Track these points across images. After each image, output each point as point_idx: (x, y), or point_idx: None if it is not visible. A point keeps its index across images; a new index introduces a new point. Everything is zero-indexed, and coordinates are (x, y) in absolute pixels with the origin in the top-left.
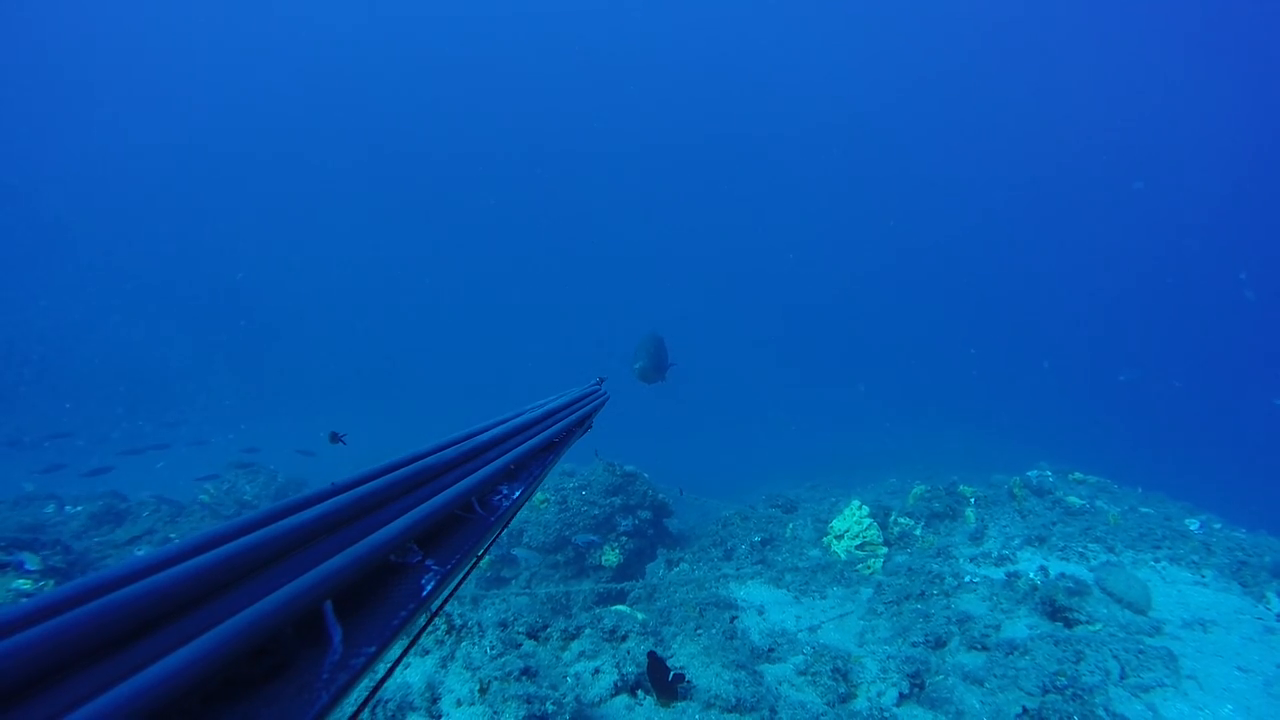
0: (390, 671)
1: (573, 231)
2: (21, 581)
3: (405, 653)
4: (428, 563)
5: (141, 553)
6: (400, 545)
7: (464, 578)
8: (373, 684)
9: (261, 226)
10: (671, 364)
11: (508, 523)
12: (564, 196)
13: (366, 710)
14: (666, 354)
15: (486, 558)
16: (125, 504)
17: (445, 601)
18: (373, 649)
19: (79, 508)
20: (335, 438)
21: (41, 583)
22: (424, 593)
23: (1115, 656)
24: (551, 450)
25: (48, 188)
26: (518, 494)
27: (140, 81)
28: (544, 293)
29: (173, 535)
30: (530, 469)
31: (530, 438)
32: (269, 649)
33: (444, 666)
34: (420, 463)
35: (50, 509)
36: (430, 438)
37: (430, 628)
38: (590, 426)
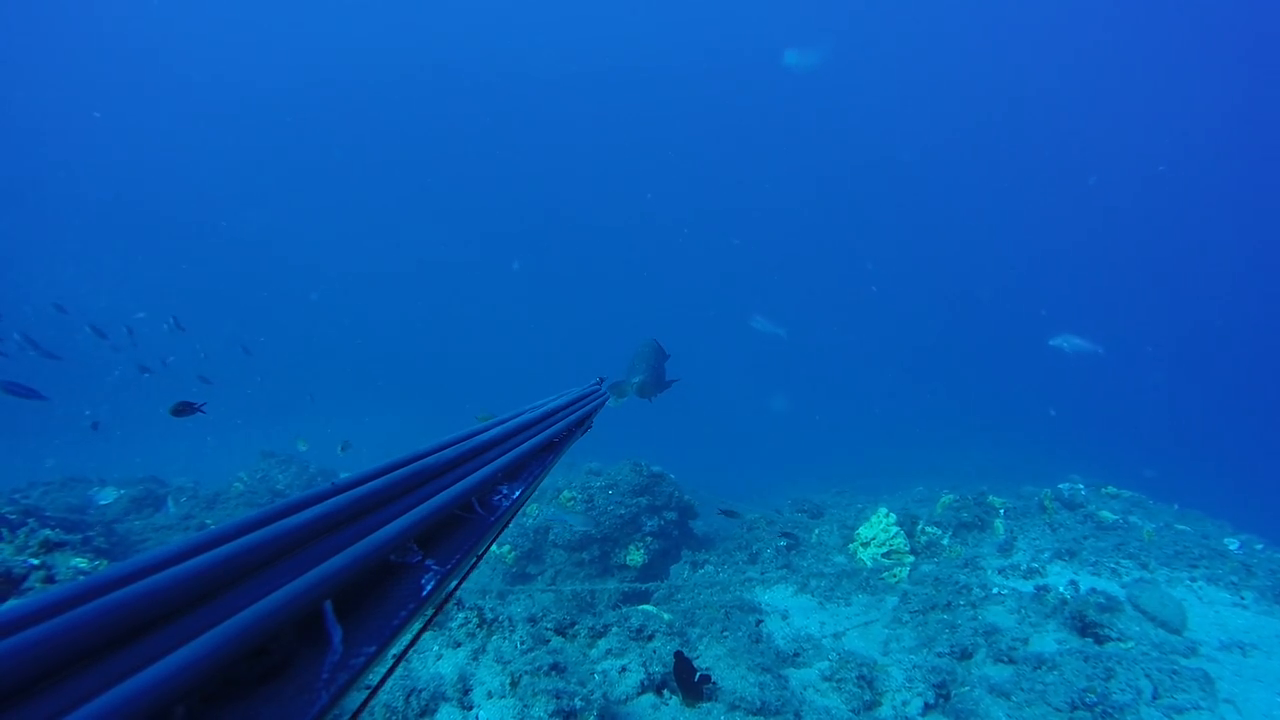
0: (389, 673)
1: (576, 232)
2: (79, 560)
3: (404, 654)
4: (428, 562)
5: (144, 553)
6: (400, 545)
7: (464, 578)
8: (373, 685)
9: (265, 226)
10: (674, 379)
11: (508, 523)
12: (568, 199)
13: (401, 700)
14: (664, 365)
15: (513, 554)
16: (164, 489)
17: (444, 603)
18: (373, 649)
19: (121, 491)
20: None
21: (96, 562)
22: (424, 592)
23: (1148, 676)
24: (551, 450)
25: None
26: (518, 494)
27: (155, 81)
28: (544, 294)
29: (209, 520)
30: (530, 469)
31: (530, 438)
32: (269, 649)
33: (475, 659)
34: (420, 463)
35: (95, 491)
36: (431, 437)
37: (462, 621)
38: (590, 426)
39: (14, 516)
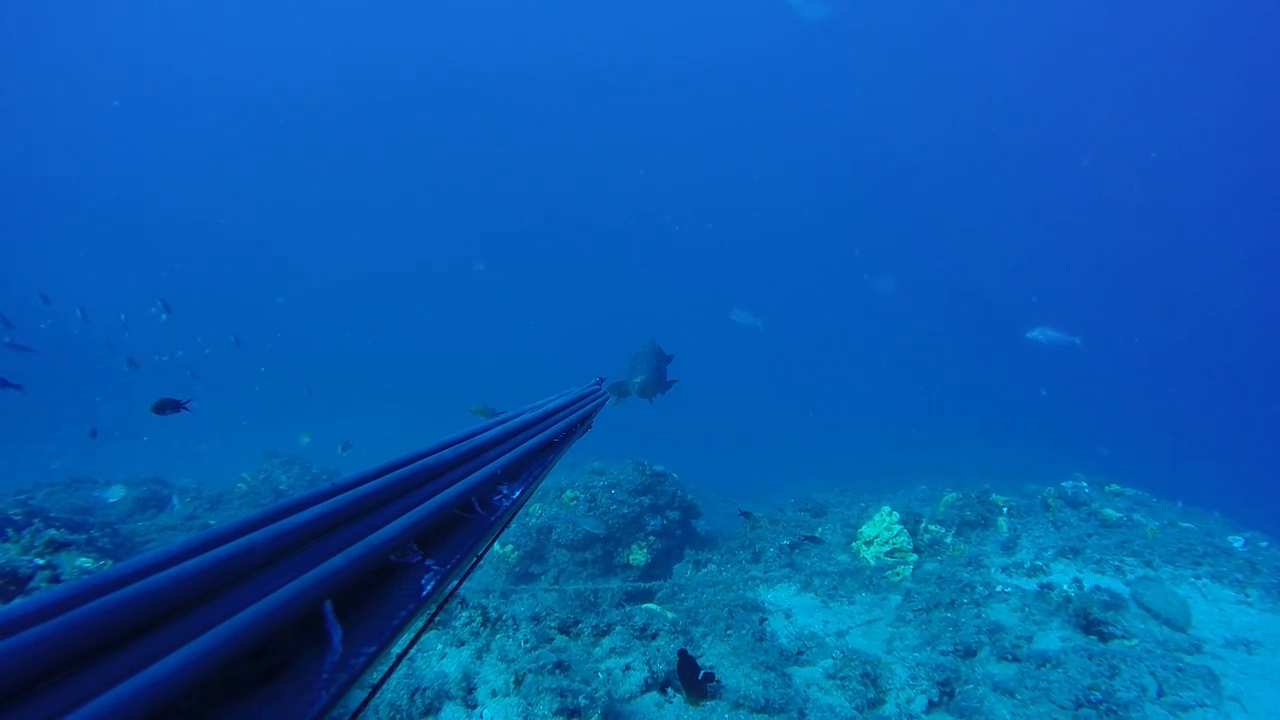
0: (388, 674)
1: (576, 232)
2: (84, 559)
3: (403, 655)
4: (428, 563)
5: (147, 552)
6: (400, 545)
7: (464, 578)
8: (373, 685)
9: (265, 226)
10: (674, 380)
11: (508, 523)
12: (567, 197)
13: (405, 698)
14: (665, 366)
15: (516, 553)
16: (167, 490)
17: (444, 604)
18: (373, 649)
19: (128, 489)
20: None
21: (101, 561)
22: (424, 593)
23: (1152, 673)
24: (552, 450)
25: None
26: (518, 494)
27: (152, 83)
28: (545, 293)
29: (212, 521)
30: (530, 469)
31: (530, 438)
32: (269, 649)
33: (479, 658)
34: (420, 462)
35: (99, 493)
36: (434, 436)
37: (466, 619)
38: (590, 426)
39: (19, 517)
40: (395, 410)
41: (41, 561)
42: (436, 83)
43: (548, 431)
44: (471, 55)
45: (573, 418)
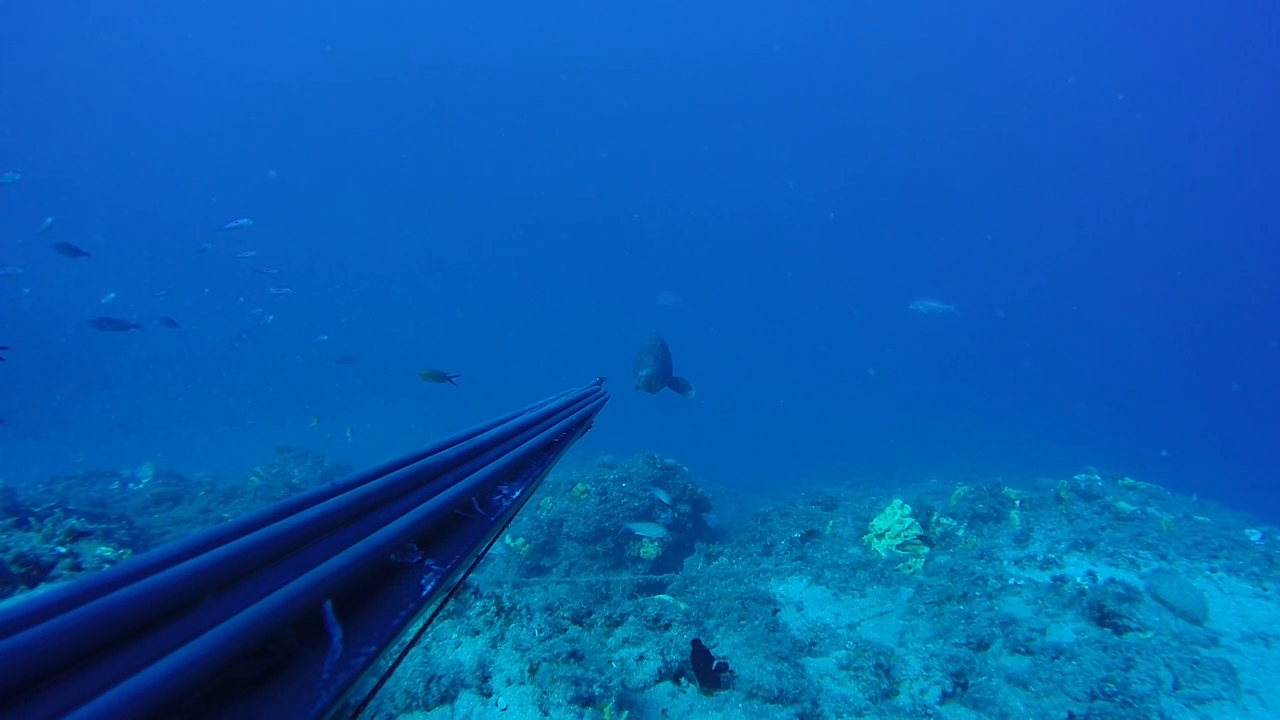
0: (387, 675)
1: (577, 230)
2: (104, 549)
3: (402, 656)
4: (428, 563)
5: (145, 553)
6: (400, 545)
7: (464, 578)
8: (373, 685)
9: (262, 224)
10: (685, 382)
11: (508, 523)
12: (567, 196)
13: (421, 686)
14: (671, 361)
15: (527, 546)
16: (182, 484)
17: (443, 605)
18: (373, 649)
19: (141, 485)
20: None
21: (121, 551)
22: (424, 593)
23: (1168, 666)
24: (552, 450)
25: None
26: (518, 494)
27: (149, 80)
28: (546, 293)
29: (226, 515)
30: (530, 469)
31: (530, 437)
32: (269, 649)
33: (494, 646)
34: (420, 463)
35: (115, 486)
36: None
37: (480, 609)
38: (590, 426)
39: (39, 508)
40: (408, 405)
41: (63, 550)
42: (443, 82)
43: (548, 431)
44: (471, 54)
45: (573, 417)
